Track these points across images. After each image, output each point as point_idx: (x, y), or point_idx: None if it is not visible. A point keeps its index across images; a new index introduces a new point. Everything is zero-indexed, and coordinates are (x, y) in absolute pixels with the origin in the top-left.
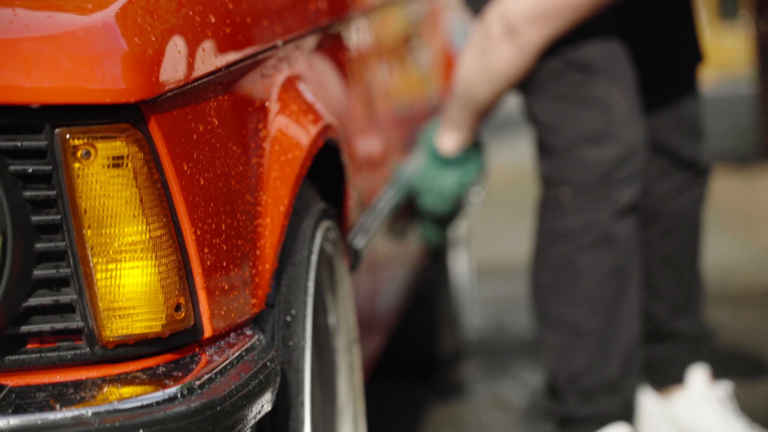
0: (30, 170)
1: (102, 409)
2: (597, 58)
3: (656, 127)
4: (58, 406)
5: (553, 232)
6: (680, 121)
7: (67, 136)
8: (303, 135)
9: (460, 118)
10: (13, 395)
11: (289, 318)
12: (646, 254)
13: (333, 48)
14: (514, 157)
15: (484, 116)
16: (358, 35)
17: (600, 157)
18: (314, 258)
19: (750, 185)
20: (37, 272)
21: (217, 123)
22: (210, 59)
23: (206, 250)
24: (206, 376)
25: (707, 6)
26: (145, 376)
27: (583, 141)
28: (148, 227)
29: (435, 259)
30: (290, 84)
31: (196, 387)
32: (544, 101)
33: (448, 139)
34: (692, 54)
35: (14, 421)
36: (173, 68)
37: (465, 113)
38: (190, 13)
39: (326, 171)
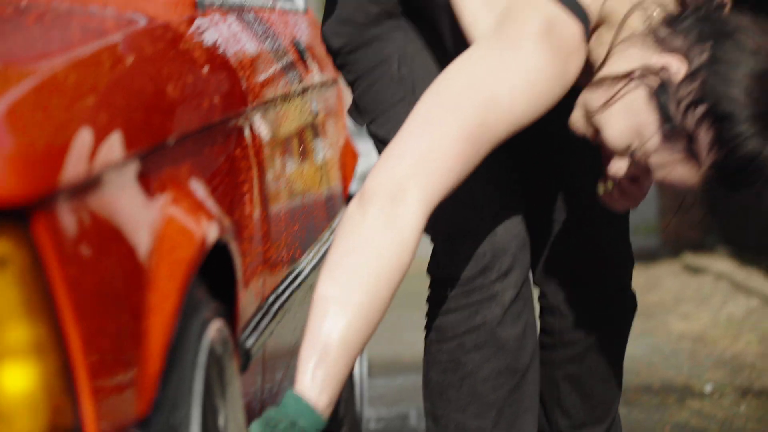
0: None
1: None
2: None
3: (574, 257)
4: None
5: (440, 329)
6: (599, 249)
7: None
8: (192, 234)
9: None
10: None
11: (176, 420)
12: (552, 369)
13: (228, 143)
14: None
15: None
16: (256, 129)
17: (474, 253)
18: (202, 358)
19: (652, 275)
20: None
21: (105, 223)
22: (100, 158)
23: (91, 352)
24: None
25: None
26: None
27: (459, 237)
28: (31, 330)
29: None
30: (181, 182)
31: None
32: None
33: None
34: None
35: None
36: (61, 168)
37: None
38: (80, 111)
39: (218, 269)
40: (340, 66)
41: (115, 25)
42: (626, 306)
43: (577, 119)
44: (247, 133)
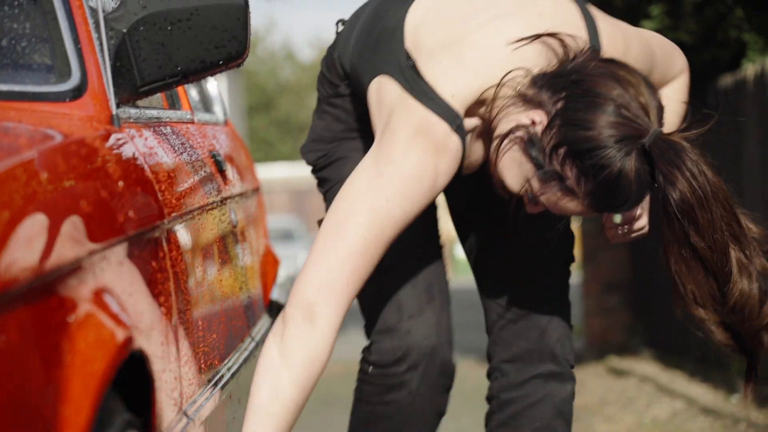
0: None
1: None
2: (395, 260)
3: (516, 330)
4: None
5: (361, 393)
6: (538, 322)
7: None
8: (106, 347)
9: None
10: None
11: None
12: None
13: (145, 255)
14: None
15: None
16: (172, 240)
17: (393, 346)
18: None
19: (577, 378)
20: None
21: (17, 337)
22: (13, 272)
23: None
24: None
25: None
26: None
27: (383, 332)
28: None
29: None
30: (96, 295)
31: None
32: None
33: None
34: (556, 263)
35: None
36: None
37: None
38: None
39: (134, 380)
40: (317, 179)
41: (29, 142)
42: (564, 374)
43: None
44: (163, 244)
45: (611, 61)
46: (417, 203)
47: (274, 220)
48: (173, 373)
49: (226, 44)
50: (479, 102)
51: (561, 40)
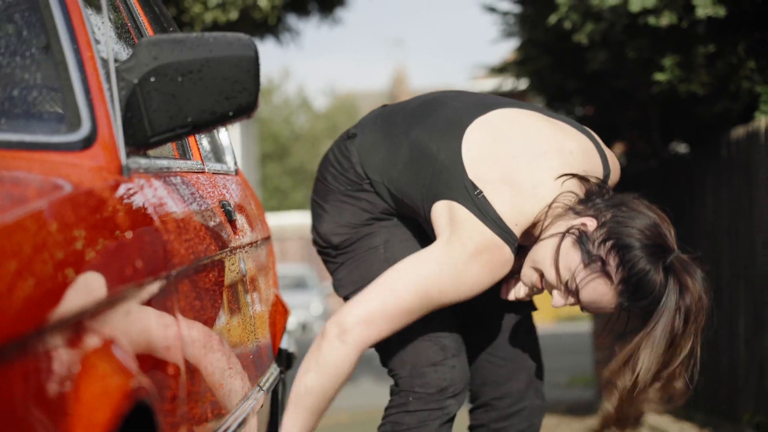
0: None
1: None
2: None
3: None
4: None
5: (396, 423)
6: (519, 365)
7: None
8: (111, 396)
9: (300, 424)
10: None
11: None
12: None
13: (152, 305)
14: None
15: (320, 417)
16: (180, 291)
17: (439, 377)
18: None
19: (589, 427)
20: None
21: (22, 386)
22: (20, 323)
23: None
24: None
25: None
26: None
27: (426, 366)
28: None
29: None
30: (103, 345)
31: None
32: (393, 347)
33: None
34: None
35: None
36: None
37: (305, 415)
38: (2, 276)
39: (141, 429)
40: (334, 255)
41: (39, 192)
42: (544, 406)
43: (525, 271)
44: (171, 295)
45: (641, 197)
46: (461, 298)
47: (287, 268)
48: (180, 424)
49: (237, 96)
50: (532, 224)
51: (588, 179)
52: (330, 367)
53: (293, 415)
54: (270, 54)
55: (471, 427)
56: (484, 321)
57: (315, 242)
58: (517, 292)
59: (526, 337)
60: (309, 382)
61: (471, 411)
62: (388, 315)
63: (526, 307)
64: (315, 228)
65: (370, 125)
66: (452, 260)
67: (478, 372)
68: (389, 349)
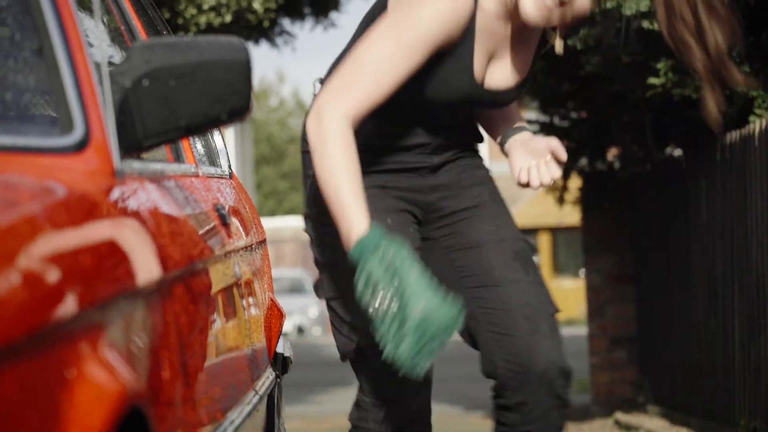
0: None
1: None
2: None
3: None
4: None
5: None
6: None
7: None
8: (105, 401)
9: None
10: None
11: None
12: None
13: (146, 309)
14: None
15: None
16: (174, 294)
17: (394, 415)
18: None
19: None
20: None
21: (15, 391)
22: (9, 326)
23: None
24: None
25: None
26: None
27: (382, 402)
28: None
29: None
30: (96, 350)
31: None
32: (360, 374)
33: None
34: None
35: None
36: None
37: (344, 188)
38: None
39: None
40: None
41: (31, 195)
42: (560, 409)
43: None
44: (166, 298)
45: None
46: (420, 42)
47: (283, 271)
48: (175, 428)
49: (230, 99)
50: None
51: None
52: (327, 145)
53: (340, 204)
54: (265, 57)
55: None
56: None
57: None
58: (542, 176)
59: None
60: (322, 171)
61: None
62: (352, 79)
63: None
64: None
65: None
66: (401, 13)
67: (490, 374)
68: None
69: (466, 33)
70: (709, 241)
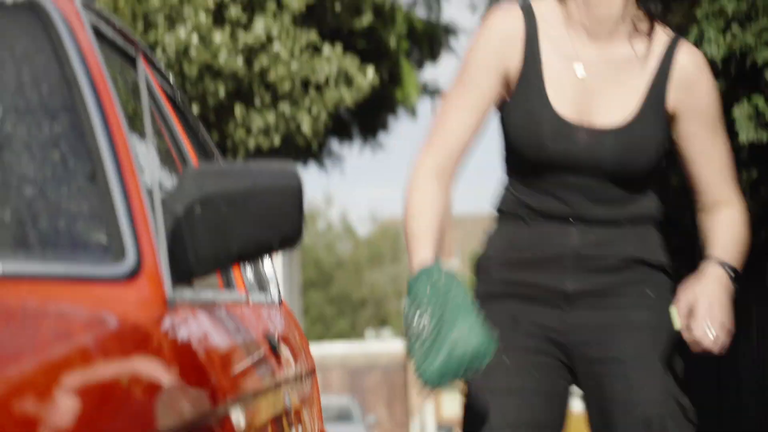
0: None
1: None
2: None
3: None
4: None
5: None
6: None
7: None
8: None
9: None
10: None
11: None
12: None
13: None
14: None
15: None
16: (227, 426)
17: None
18: None
19: None
20: None
21: None
22: None
23: None
24: None
25: None
26: None
27: None
28: None
29: None
30: None
31: None
32: None
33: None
34: None
35: None
36: None
37: (418, 239)
38: (49, 413)
39: None
40: None
41: (85, 326)
42: None
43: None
44: (216, 431)
45: None
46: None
47: (330, 399)
48: None
49: (281, 226)
50: None
51: None
52: (410, 191)
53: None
54: (313, 179)
55: None
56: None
57: None
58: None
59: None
60: (404, 214)
61: None
62: (432, 131)
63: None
64: None
65: None
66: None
67: None
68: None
69: (529, 51)
70: (762, 368)
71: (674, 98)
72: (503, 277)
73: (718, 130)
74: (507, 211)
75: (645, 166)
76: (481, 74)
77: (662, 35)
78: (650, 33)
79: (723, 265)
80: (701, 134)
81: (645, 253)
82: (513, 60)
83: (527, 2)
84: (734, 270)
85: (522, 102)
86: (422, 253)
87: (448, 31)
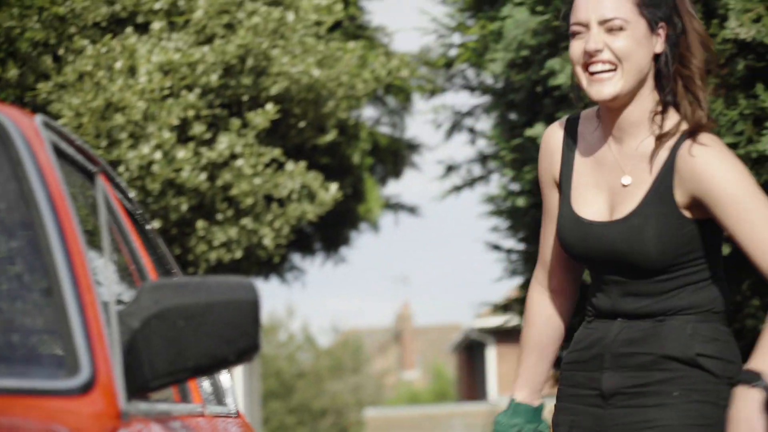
0: None
1: None
2: None
3: None
4: None
5: None
6: None
7: None
8: None
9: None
10: None
11: None
12: None
13: None
14: None
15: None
16: None
17: None
18: None
19: None
20: None
21: None
22: None
23: None
24: None
25: None
26: None
27: None
28: None
29: None
30: None
31: None
32: None
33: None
34: None
35: None
36: None
37: (522, 358)
38: None
39: None
40: None
41: None
42: None
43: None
44: None
45: None
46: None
47: None
48: None
49: (238, 340)
50: None
51: None
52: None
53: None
54: (274, 292)
55: None
56: None
57: None
58: None
59: None
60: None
61: None
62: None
63: None
64: None
65: None
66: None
67: None
68: None
69: (565, 158)
70: None
71: (683, 188)
72: (564, 377)
73: (751, 208)
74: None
75: (653, 255)
76: (545, 188)
77: (680, 128)
78: (669, 128)
79: (754, 382)
80: (730, 215)
81: (677, 350)
82: (555, 169)
83: (574, 114)
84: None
85: (559, 206)
86: (515, 389)
87: (412, 147)
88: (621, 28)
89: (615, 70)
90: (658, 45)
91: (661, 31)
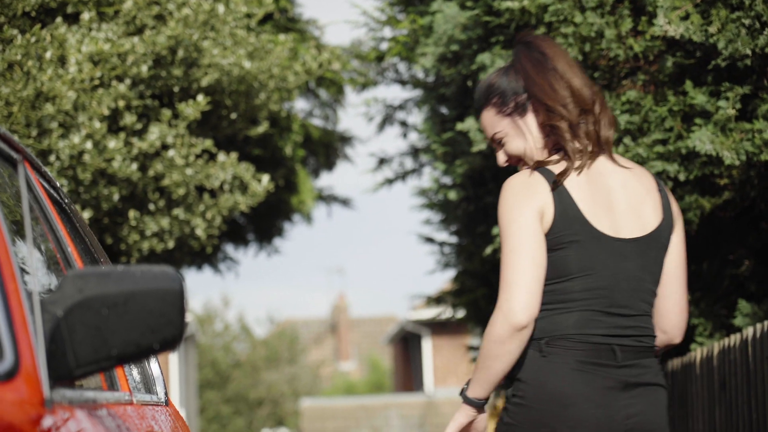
0: None
1: None
2: None
3: None
4: None
5: None
6: None
7: None
8: None
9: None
10: None
11: None
12: None
13: None
14: None
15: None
16: None
17: None
18: None
19: None
20: None
21: None
22: None
23: None
24: None
25: None
26: None
27: None
28: None
29: None
30: None
31: None
32: None
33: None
34: None
35: None
36: None
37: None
38: None
39: None
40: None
41: None
42: None
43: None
44: None
45: None
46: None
47: None
48: None
49: (162, 329)
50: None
51: None
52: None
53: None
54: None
55: None
56: None
57: None
58: None
59: None
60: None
61: None
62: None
63: None
64: None
65: None
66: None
67: None
68: None
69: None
70: None
71: None
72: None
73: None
74: None
75: None
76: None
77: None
78: None
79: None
80: None
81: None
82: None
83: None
84: None
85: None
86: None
87: (344, 139)
88: (501, 140)
89: (521, 159)
90: (528, 116)
91: (521, 107)
